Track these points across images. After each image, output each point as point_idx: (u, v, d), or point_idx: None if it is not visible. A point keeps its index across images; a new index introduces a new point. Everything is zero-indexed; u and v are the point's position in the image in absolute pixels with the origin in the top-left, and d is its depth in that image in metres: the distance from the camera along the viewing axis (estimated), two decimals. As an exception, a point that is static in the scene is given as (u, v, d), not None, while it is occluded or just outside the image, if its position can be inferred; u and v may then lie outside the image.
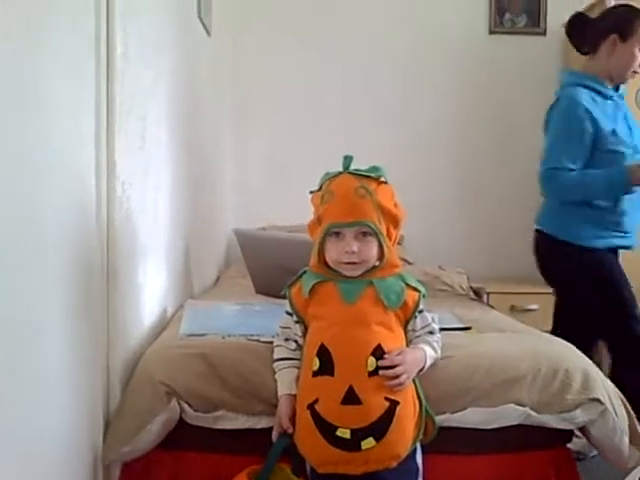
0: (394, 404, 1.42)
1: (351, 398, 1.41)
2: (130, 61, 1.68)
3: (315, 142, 3.84)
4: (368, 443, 1.40)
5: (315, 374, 1.45)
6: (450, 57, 3.94)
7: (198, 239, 2.76)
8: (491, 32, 3.95)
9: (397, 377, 1.42)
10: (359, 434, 1.40)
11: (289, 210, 3.60)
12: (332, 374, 1.43)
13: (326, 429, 1.41)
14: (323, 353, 1.45)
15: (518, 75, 3.94)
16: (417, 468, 1.50)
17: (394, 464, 1.42)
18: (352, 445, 1.40)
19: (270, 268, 2.30)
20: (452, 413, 1.60)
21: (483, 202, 3.98)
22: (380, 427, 1.41)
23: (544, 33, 3.94)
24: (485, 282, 3.54)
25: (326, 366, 1.44)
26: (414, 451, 1.49)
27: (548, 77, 3.92)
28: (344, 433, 1.40)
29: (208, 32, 2.95)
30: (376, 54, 3.93)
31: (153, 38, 1.99)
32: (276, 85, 3.89)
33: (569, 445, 1.72)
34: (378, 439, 1.40)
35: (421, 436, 1.50)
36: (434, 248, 3.75)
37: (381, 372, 1.42)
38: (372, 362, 1.43)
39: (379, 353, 1.44)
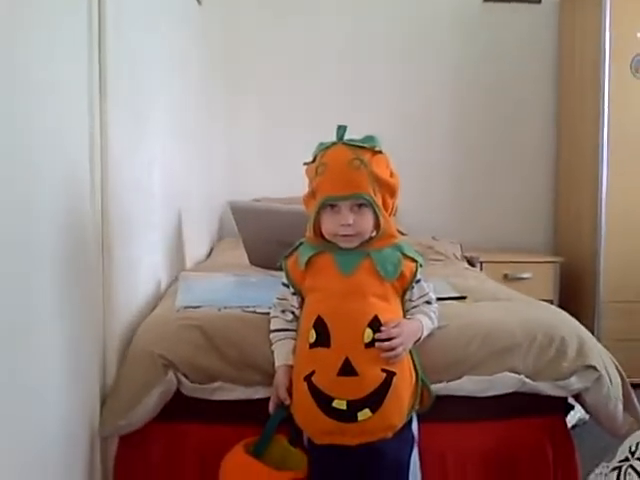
0: (390, 375, 1.42)
1: (347, 370, 1.40)
2: (123, 35, 1.65)
3: (308, 116, 3.79)
4: (364, 414, 1.40)
5: (312, 346, 1.45)
6: (444, 25, 3.90)
7: (191, 212, 2.75)
8: (485, 0, 3.90)
9: (393, 349, 1.42)
10: (355, 405, 1.40)
11: (282, 183, 3.59)
12: (328, 346, 1.43)
13: (322, 400, 1.41)
14: (319, 325, 1.45)
15: (513, 43, 3.91)
16: (413, 437, 1.51)
17: (390, 435, 1.43)
18: (348, 416, 1.40)
19: (265, 240, 2.29)
20: (448, 382, 1.60)
21: (478, 173, 3.97)
22: (376, 398, 1.41)
23: (539, 1, 3.90)
24: (478, 252, 3.54)
25: (322, 338, 1.44)
26: (410, 420, 1.50)
27: (543, 45, 3.91)
28: (340, 404, 1.40)
29: (199, 1, 2.90)
30: (370, 26, 3.87)
31: (146, 9, 1.96)
32: (268, 59, 3.84)
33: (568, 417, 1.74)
34: (374, 410, 1.40)
35: (417, 406, 1.51)
36: (428, 220, 3.75)
37: (377, 344, 1.42)
38: (369, 334, 1.43)
39: (376, 325, 1.44)
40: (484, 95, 3.93)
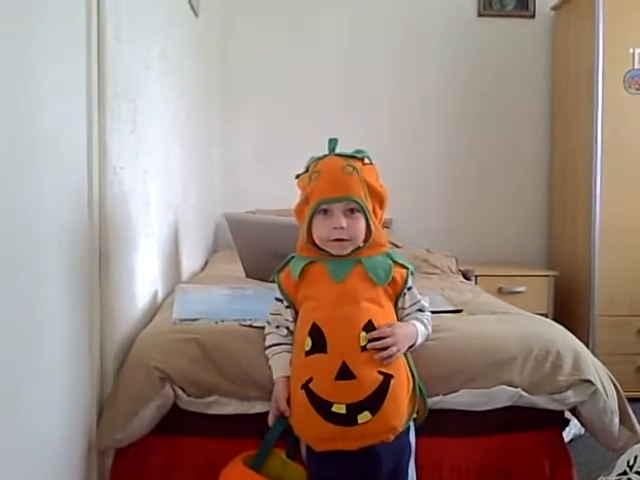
0: (388, 377, 1.43)
1: (345, 373, 1.41)
2: (121, 44, 1.66)
3: (304, 126, 3.82)
4: (364, 417, 1.39)
5: (308, 353, 1.46)
6: (439, 39, 3.93)
7: (187, 223, 2.75)
8: (480, 14, 3.94)
9: (386, 349, 1.43)
10: (355, 408, 1.40)
11: (278, 194, 3.60)
12: (325, 351, 1.43)
13: (321, 406, 1.41)
14: (315, 332, 1.45)
15: (507, 58, 3.95)
16: (410, 446, 1.50)
17: (391, 437, 1.42)
18: (348, 420, 1.40)
19: (261, 252, 2.29)
20: (445, 395, 1.60)
21: (471, 186, 3.99)
22: (375, 400, 1.41)
23: (533, 16, 3.94)
24: (472, 265, 3.55)
25: (319, 344, 1.44)
26: (407, 429, 1.49)
27: (537, 59, 3.94)
28: (340, 408, 1.40)
29: (195, 13, 2.92)
30: (366, 37, 3.90)
31: (144, 20, 1.97)
32: (265, 68, 3.87)
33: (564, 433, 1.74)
34: (374, 412, 1.40)
35: (415, 413, 1.50)
36: (422, 232, 3.76)
37: (370, 345, 1.43)
38: (364, 337, 1.44)
39: (370, 328, 1.45)
40: (479, 108, 3.96)
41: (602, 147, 3.35)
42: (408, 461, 1.49)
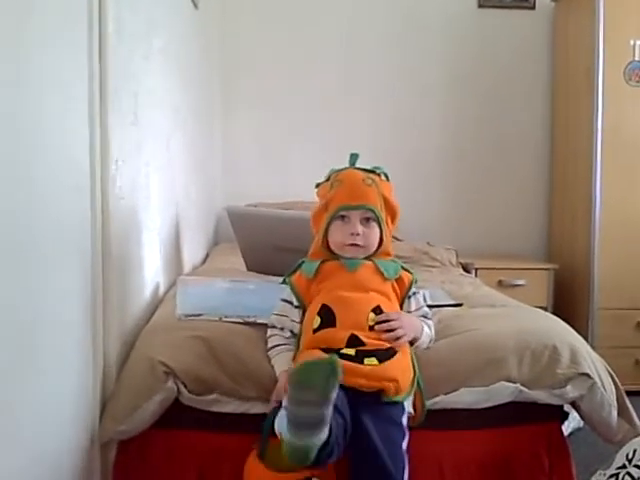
0: (394, 349, 1.49)
1: (355, 342, 1.47)
2: (122, 36, 1.65)
3: (305, 119, 3.82)
4: (371, 361, 1.45)
5: (316, 331, 1.51)
6: (440, 31, 3.92)
7: (188, 216, 2.75)
8: (480, 6, 3.92)
9: (393, 331, 1.49)
10: (363, 353, 1.46)
11: (278, 188, 3.61)
12: (334, 326, 1.50)
13: (330, 350, 1.43)
14: (325, 311, 1.52)
15: (507, 49, 3.94)
16: (403, 429, 1.48)
17: (391, 388, 1.44)
18: (356, 360, 1.44)
19: (262, 245, 2.30)
20: (445, 394, 1.61)
21: (471, 178, 3.99)
22: (382, 354, 1.47)
23: (533, 7, 3.92)
24: (473, 258, 3.56)
25: (328, 320, 1.51)
26: (402, 410, 1.49)
27: (537, 51, 3.94)
28: (349, 351, 1.45)
29: (195, 4, 2.91)
30: (366, 31, 3.89)
31: (145, 13, 1.96)
32: (266, 60, 3.85)
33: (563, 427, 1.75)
34: (380, 361, 1.45)
35: (412, 396, 1.52)
36: (422, 226, 3.76)
37: (377, 326, 1.50)
38: (372, 318, 1.51)
39: (379, 312, 1.53)
40: (479, 101, 3.95)
41: (602, 140, 3.35)
42: (403, 438, 1.48)
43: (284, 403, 1.29)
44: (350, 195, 1.60)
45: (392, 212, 1.66)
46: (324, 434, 1.25)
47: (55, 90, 1.28)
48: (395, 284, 1.62)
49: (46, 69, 1.24)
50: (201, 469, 1.61)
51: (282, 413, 1.31)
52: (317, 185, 1.70)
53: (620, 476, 1.39)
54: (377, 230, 1.62)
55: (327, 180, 1.67)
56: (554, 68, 3.90)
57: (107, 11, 1.53)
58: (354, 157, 1.68)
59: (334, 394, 1.23)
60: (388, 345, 1.49)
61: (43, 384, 1.24)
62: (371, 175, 1.63)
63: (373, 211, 1.60)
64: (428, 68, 3.93)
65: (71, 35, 1.39)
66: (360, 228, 1.59)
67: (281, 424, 1.31)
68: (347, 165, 1.68)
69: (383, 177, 1.65)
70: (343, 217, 1.61)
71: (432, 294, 2.03)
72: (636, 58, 3.32)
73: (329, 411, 1.24)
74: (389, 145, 3.77)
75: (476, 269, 3.49)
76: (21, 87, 1.13)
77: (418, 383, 1.55)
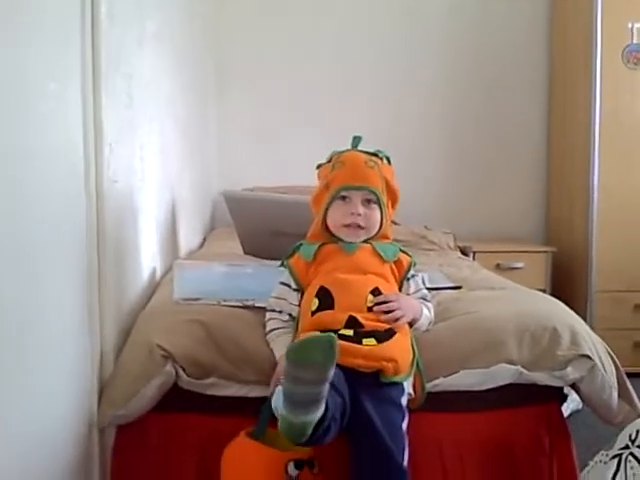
0: (393, 331, 1.49)
1: (353, 324, 1.46)
2: (115, 18, 1.63)
3: (300, 104, 3.80)
4: (369, 341, 1.45)
5: (314, 313, 1.50)
6: (437, 15, 3.89)
7: (184, 200, 2.74)
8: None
9: (391, 312, 1.49)
10: (361, 334, 1.45)
11: (275, 172, 3.59)
12: (332, 308, 1.49)
13: (328, 331, 1.40)
14: (323, 293, 1.52)
15: (505, 32, 3.91)
16: (403, 410, 1.48)
17: (390, 368, 1.43)
18: (354, 340, 1.44)
19: (259, 229, 2.29)
20: (445, 377, 1.60)
21: (469, 162, 3.97)
22: (381, 335, 1.47)
23: (531, -10, 3.90)
24: (470, 242, 3.55)
25: (326, 303, 1.50)
26: (402, 390, 1.49)
27: (535, 34, 3.91)
28: (347, 332, 1.45)
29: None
30: (366, 18, 3.87)
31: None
32: (261, 45, 3.83)
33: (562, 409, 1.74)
34: (379, 341, 1.45)
35: (412, 377, 1.51)
36: (420, 209, 3.74)
37: (376, 308, 1.49)
38: (371, 299, 1.51)
39: (377, 293, 1.52)
40: (476, 85, 3.93)
41: (600, 122, 3.34)
42: (402, 419, 1.47)
43: (281, 380, 1.29)
44: (352, 176, 1.59)
45: (393, 196, 1.65)
46: (320, 411, 1.24)
47: (48, 73, 1.26)
48: (394, 266, 1.62)
49: (38, 51, 1.21)
50: (200, 453, 1.60)
51: (279, 389, 1.31)
52: (318, 166, 1.69)
53: (623, 457, 1.39)
54: (378, 212, 1.61)
55: (329, 161, 1.66)
56: (552, 51, 3.87)
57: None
58: (357, 140, 1.67)
59: (331, 372, 1.22)
60: (387, 326, 1.49)
61: (40, 371, 1.23)
62: (373, 158, 1.62)
63: (375, 193, 1.59)
64: (426, 53, 3.90)
65: (63, 18, 1.37)
66: (361, 209, 1.59)
67: (277, 400, 1.31)
68: (348, 147, 1.66)
69: (385, 160, 1.65)
70: (344, 197, 1.60)
71: (431, 277, 2.02)
72: (634, 41, 3.30)
73: (326, 389, 1.23)
74: (387, 128, 3.75)
75: (474, 252, 3.49)
76: (13, 71, 1.10)
77: (418, 365, 1.54)
